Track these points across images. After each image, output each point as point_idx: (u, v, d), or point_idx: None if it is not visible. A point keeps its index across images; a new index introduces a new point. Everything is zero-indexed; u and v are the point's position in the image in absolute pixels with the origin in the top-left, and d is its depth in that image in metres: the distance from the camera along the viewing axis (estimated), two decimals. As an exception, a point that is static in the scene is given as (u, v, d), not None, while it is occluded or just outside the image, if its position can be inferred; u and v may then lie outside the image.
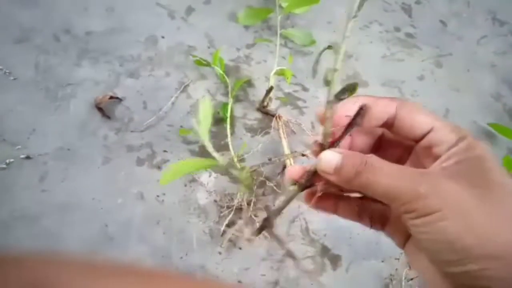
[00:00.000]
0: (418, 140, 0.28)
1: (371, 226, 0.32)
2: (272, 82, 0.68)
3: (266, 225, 0.33)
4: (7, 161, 0.65)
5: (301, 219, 0.66)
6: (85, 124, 0.70)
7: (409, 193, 0.24)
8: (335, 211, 0.32)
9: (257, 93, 0.76)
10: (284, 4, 0.73)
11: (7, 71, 0.73)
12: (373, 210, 0.32)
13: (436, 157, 0.27)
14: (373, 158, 0.26)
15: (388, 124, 0.29)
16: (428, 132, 0.27)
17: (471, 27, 0.92)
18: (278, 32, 0.72)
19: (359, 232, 0.66)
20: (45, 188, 0.64)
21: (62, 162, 0.66)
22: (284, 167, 0.68)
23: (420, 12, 0.92)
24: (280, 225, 0.65)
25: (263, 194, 0.67)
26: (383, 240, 0.64)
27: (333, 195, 0.32)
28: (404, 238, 0.30)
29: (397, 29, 0.88)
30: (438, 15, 0.92)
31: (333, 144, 0.29)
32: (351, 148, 0.31)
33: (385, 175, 0.25)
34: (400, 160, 0.31)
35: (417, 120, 0.28)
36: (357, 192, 0.31)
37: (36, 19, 0.78)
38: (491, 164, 0.25)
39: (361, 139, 0.31)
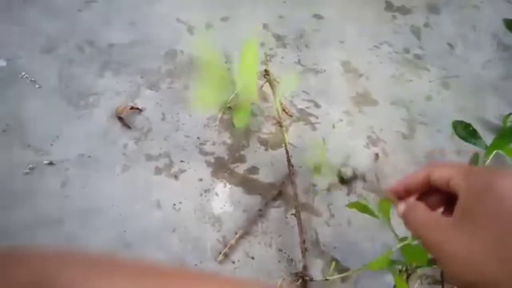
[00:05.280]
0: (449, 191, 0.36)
1: None
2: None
3: None
4: (31, 166, 0.68)
5: (312, 232, 0.68)
6: (106, 133, 0.73)
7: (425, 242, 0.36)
8: None
9: (272, 109, 0.79)
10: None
11: (32, 79, 0.76)
12: None
13: None
14: (413, 213, 0.38)
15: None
16: (448, 183, 0.36)
17: (477, 51, 0.95)
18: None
19: (369, 245, 0.68)
20: (67, 193, 0.67)
21: (83, 169, 0.69)
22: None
23: (429, 35, 0.95)
24: (292, 237, 0.67)
25: (276, 206, 0.69)
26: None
27: None
28: None
29: (406, 51, 0.92)
30: (446, 38, 0.96)
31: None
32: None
33: (417, 227, 0.37)
34: None
35: (438, 175, 0.37)
36: None
37: (61, 31, 0.82)
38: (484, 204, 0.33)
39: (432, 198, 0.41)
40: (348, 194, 0.73)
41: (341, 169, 0.66)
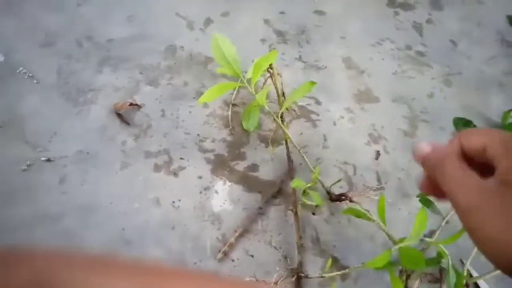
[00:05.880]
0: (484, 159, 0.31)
1: None
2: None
3: None
4: (28, 162, 0.67)
5: (312, 230, 0.68)
6: (104, 129, 0.72)
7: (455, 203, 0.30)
8: None
9: (272, 106, 0.78)
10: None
11: (30, 74, 0.75)
12: None
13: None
14: (448, 161, 0.31)
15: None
16: (484, 151, 0.30)
17: (480, 47, 0.94)
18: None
19: (369, 244, 0.67)
20: (65, 190, 0.66)
21: (81, 165, 0.68)
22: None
23: (431, 31, 0.94)
24: (291, 235, 0.67)
25: (276, 204, 0.68)
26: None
27: None
28: None
29: (409, 47, 0.91)
30: (448, 35, 0.95)
31: None
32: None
33: (449, 180, 0.31)
34: None
35: (472, 142, 0.31)
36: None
37: (60, 25, 0.81)
38: None
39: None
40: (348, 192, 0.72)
41: (330, 189, 0.66)
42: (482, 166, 0.31)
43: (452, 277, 0.62)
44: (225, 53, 0.63)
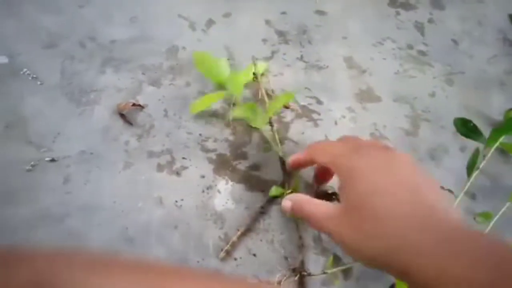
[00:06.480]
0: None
1: None
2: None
3: None
4: (33, 163, 0.68)
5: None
6: (107, 130, 0.73)
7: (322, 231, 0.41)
8: None
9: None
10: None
11: (34, 75, 0.76)
12: None
13: None
14: (304, 205, 0.42)
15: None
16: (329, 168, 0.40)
17: (482, 46, 0.94)
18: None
19: (371, 243, 0.67)
20: (69, 190, 0.67)
21: (85, 165, 0.69)
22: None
23: (433, 31, 0.94)
24: (294, 234, 0.67)
25: (278, 203, 0.69)
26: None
27: None
28: None
29: (410, 47, 0.91)
30: (450, 34, 0.95)
31: None
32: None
33: (309, 217, 0.42)
34: None
35: (320, 161, 0.43)
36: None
37: (63, 26, 0.82)
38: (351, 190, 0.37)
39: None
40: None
41: (318, 188, 0.66)
42: None
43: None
44: (208, 68, 0.72)
